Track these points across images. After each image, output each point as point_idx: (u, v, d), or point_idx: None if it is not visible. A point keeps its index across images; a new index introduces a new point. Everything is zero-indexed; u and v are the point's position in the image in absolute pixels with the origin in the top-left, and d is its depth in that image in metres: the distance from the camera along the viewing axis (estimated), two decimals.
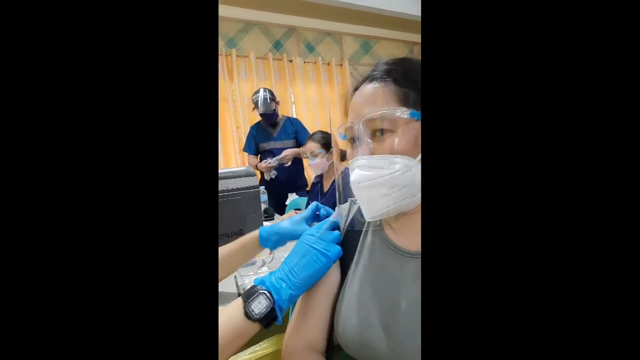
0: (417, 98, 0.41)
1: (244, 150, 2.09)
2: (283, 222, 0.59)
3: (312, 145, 1.55)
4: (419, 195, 0.41)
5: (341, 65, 2.87)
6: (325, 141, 1.55)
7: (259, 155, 2.05)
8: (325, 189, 1.61)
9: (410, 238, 0.45)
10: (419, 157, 0.40)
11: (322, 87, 2.77)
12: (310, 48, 2.79)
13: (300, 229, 0.56)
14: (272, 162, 1.84)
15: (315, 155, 1.54)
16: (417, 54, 3.26)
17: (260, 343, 0.62)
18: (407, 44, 3.23)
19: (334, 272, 0.50)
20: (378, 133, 0.41)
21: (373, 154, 0.41)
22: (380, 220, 0.48)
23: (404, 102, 0.41)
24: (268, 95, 1.89)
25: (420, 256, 0.43)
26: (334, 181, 1.52)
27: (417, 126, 0.40)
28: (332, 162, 1.49)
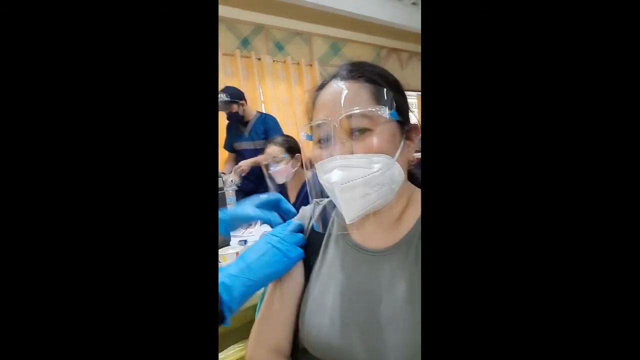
0: (392, 99, 0.41)
1: (224, 147, 2.01)
2: (235, 205, 0.57)
3: (274, 150, 1.35)
4: (393, 194, 0.42)
5: (311, 65, 2.87)
6: (289, 145, 1.37)
7: (235, 155, 1.99)
8: (292, 200, 1.40)
9: (376, 236, 0.46)
10: (397, 155, 0.41)
11: (291, 86, 2.75)
12: (280, 47, 2.76)
13: (253, 214, 0.53)
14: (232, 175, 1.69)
15: (278, 161, 1.34)
16: (384, 57, 3.35)
17: (225, 350, 0.59)
18: (375, 47, 3.30)
19: (298, 274, 0.49)
20: (357, 132, 0.40)
21: (351, 153, 0.40)
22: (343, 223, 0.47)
23: (382, 101, 0.41)
24: (225, 98, 1.79)
25: (386, 253, 0.44)
26: (300, 191, 1.38)
27: (393, 126, 0.42)
28: (297, 169, 1.37)
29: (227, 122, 1.98)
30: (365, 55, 3.18)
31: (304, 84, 2.80)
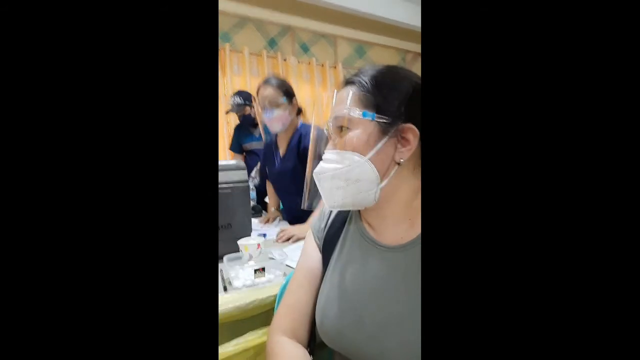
0: (375, 101, 0.44)
1: (230, 148, 2.09)
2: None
3: (270, 93, 1.11)
4: (375, 191, 0.45)
5: (335, 67, 2.89)
6: (286, 88, 1.15)
7: (244, 155, 2.04)
8: (282, 151, 1.25)
9: (385, 233, 0.48)
10: (370, 154, 0.43)
11: (315, 87, 2.78)
12: (305, 48, 2.79)
13: None
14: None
15: (276, 106, 1.11)
16: (409, 61, 3.32)
17: (245, 335, 0.62)
18: (400, 51, 3.28)
19: (317, 265, 0.52)
20: (342, 130, 0.45)
21: (335, 149, 0.45)
22: (360, 214, 0.52)
23: (360, 103, 0.44)
24: (239, 101, 1.90)
25: (402, 250, 0.46)
26: (291, 141, 1.23)
27: (370, 126, 0.44)
28: (293, 117, 1.21)
29: (238, 123, 2.06)
30: (390, 59, 3.17)
31: (327, 86, 2.82)
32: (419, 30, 2.85)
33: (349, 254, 0.50)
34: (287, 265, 0.83)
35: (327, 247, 0.52)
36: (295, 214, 1.28)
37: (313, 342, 0.52)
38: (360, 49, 3.06)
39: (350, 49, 3.02)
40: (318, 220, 0.58)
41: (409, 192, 0.46)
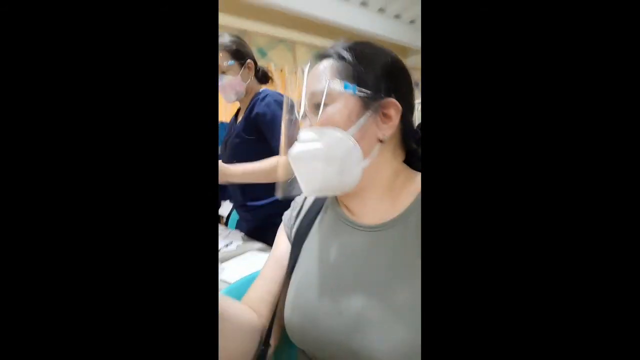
0: (355, 73, 0.40)
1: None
2: None
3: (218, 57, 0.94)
4: (357, 172, 0.40)
5: (295, 73, 2.87)
6: (238, 48, 0.96)
7: None
8: (242, 115, 1.06)
9: (366, 215, 0.44)
10: (353, 130, 0.39)
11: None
12: (262, 53, 2.74)
13: None
14: None
15: (223, 71, 0.95)
16: None
17: None
18: None
19: (285, 257, 0.49)
20: (317, 108, 0.40)
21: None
22: (337, 199, 0.48)
23: (339, 75, 0.40)
24: None
25: (382, 229, 0.41)
26: (251, 109, 1.00)
27: (352, 102, 0.40)
28: (250, 81, 1.01)
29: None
30: None
31: (287, 92, 2.79)
32: (380, 38, 2.94)
33: (326, 240, 0.45)
34: (221, 280, 0.73)
35: (299, 238, 0.48)
36: (242, 203, 1.07)
37: (269, 332, 0.46)
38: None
39: (309, 55, 3.02)
40: (290, 209, 0.53)
41: (390, 173, 0.43)
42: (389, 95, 0.41)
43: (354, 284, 0.40)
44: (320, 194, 0.46)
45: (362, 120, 0.39)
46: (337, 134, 0.39)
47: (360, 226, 0.43)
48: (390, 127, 0.41)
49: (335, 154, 0.39)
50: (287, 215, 0.53)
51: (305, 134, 0.41)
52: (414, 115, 0.45)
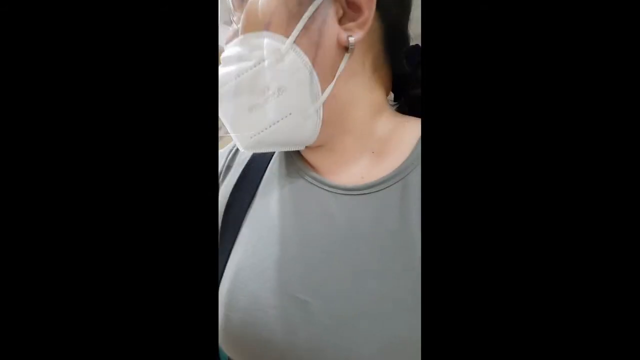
0: None
1: None
2: None
3: None
4: (315, 109, 0.26)
5: None
6: None
7: None
8: None
9: (338, 171, 0.30)
10: (295, 32, 0.24)
11: None
12: None
13: None
14: None
15: None
16: None
17: None
18: None
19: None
20: (243, 1, 0.26)
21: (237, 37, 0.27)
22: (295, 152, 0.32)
23: None
24: None
25: (355, 191, 0.28)
26: None
27: None
28: None
29: None
30: None
31: None
32: None
33: (279, 205, 0.30)
34: None
35: (232, 209, 0.32)
36: None
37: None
38: None
39: None
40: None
41: (367, 108, 0.29)
42: None
43: (328, 268, 0.26)
44: (260, 149, 0.30)
45: (309, 11, 0.24)
46: (272, 44, 0.24)
47: (331, 186, 0.29)
48: (360, 25, 0.25)
49: (273, 79, 0.25)
50: None
51: (229, 50, 0.27)
52: (411, 16, 0.29)
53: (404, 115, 0.31)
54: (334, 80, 0.26)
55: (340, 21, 0.26)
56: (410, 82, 0.31)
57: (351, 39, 0.25)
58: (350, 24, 0.25)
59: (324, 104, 0.26)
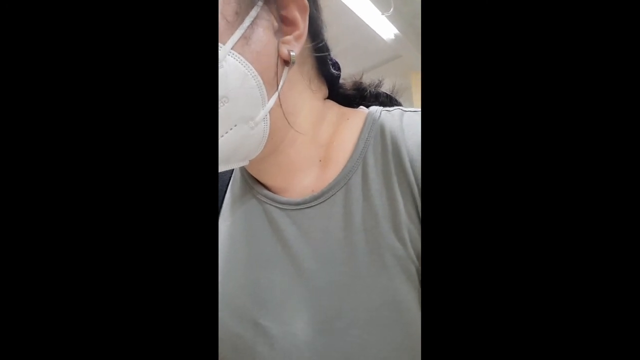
0: None
1: None
2: None
3: None
4: (262, 118, 0.25)
5: None
6: None
7: None
8: None
9: (289, 186, 0.30)
10: (234, 39, 0.23)
11: None
12: None
13: None
14: None
15: None
16: None
17: None
18: None
19: None
20: None
21: None
22: (245, 170, 0.32)
23: None
24: None
25: (304, 205, 0.28)
26: None
27: None
28: None
29: None
30: None
31: None
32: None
33: (234, 228, 0.31)
34: None
35: None
36: None
37: None
38: None
39: None
40: None
41: (311, 117, 0.29)
42: None
43: (284, 288, 0.27)
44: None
45: (247, 21, 0.24)
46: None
47: (285, 204, 0.29)
48: (297, 38, 0.26)
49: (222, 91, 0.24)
50: None
51: None
52: (323, 26, 0.30)
53: (341, 107, 0.32)
54: (279, 88, 0.26)
55: (276, 35, 0.26)
56: (339, 85, 0.33)
57: (292, 53, 0.26)
58: (288, 37, 0.26)
59: (269, 112, 0.26)
